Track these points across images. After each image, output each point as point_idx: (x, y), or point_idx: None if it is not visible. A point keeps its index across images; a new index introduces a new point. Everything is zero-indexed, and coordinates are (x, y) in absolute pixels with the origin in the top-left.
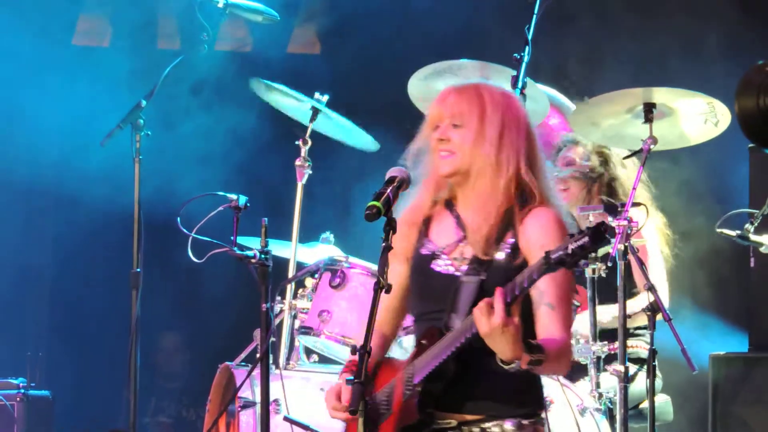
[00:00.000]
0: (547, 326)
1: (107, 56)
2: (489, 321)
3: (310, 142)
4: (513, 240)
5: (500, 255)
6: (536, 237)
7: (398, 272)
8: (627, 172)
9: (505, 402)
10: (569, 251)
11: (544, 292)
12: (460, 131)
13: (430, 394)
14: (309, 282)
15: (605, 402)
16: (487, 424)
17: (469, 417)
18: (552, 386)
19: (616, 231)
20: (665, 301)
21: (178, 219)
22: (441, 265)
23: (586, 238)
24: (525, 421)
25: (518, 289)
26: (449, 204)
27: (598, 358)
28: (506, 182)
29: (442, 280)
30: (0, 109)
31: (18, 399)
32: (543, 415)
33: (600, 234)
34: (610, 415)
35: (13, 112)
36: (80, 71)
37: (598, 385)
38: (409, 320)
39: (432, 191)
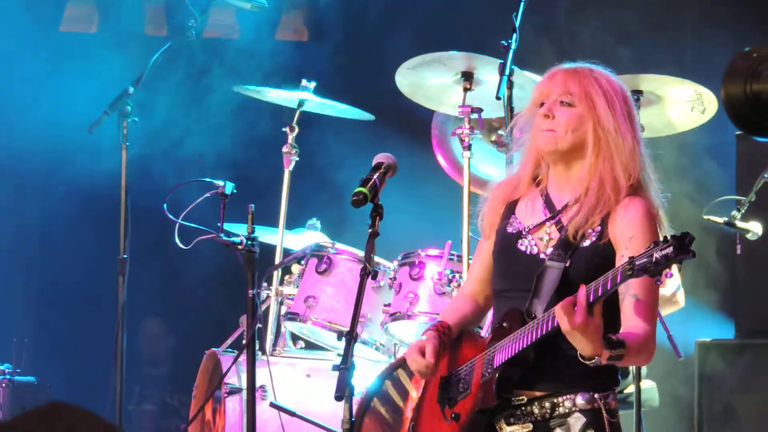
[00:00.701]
0: (630, 318)
1: (95, 42)
2: (570, 320)
3: (297, 129)
4: (600, 228)
5: (586, 242)
6: (625, 228)
7: (485, 245)
8: None
9: (576, 378)
10: (653, 260)
11: (629, 284)
12: (566, 110)
13: (508, 379)
14: (295, 268)
15: None
16: (558, 399)
17: (539, 393)
18: None
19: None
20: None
21: (165, 205)
22: (526, 245)
23: (671, 249)
24: (597, 395)
25: (601, 290)
26: (539, 183)
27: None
28: (605, 168)
29: (525, 260)
30: None
31: (3, 385)
32: (617, 390)
33: (684, 245)
34: None
35: (0, 99)
36: (67, 57)
37: None
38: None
39: (530, 168)
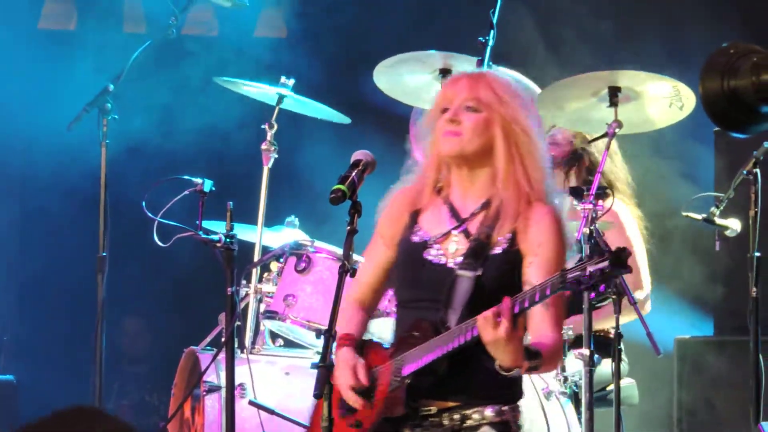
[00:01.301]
0: (539, 325)
1: (73, 40)
2: (495, 332)
3: (276, 126)
4: (510, 235)
5: (497, 250)
6: (534, 235)
7: (382, 253)
8: (609, 163)
9: (486, 389)
10: (587, 273)
11: None
12: (472, 115)
13: (417, 388)
14: (274, 266)
15: (570, 386)
16: (468, 411)
17: (449, 404)
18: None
19: (581, 214)
20: (647, 282)
21: (143, 203)
22: (433, 255)
23: (606, 263)
24: (505, 407)
25: (528, 302)
26: (440, 191)
27: (564, 341)
28: (510, 174)
29: (432, 270)
30: None
31: None
32: (521, 401)
33: (621, 260)
34: (575, 399)
35: None
36: (46, 55)
37: (563, 369)
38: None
39: (433, 175)
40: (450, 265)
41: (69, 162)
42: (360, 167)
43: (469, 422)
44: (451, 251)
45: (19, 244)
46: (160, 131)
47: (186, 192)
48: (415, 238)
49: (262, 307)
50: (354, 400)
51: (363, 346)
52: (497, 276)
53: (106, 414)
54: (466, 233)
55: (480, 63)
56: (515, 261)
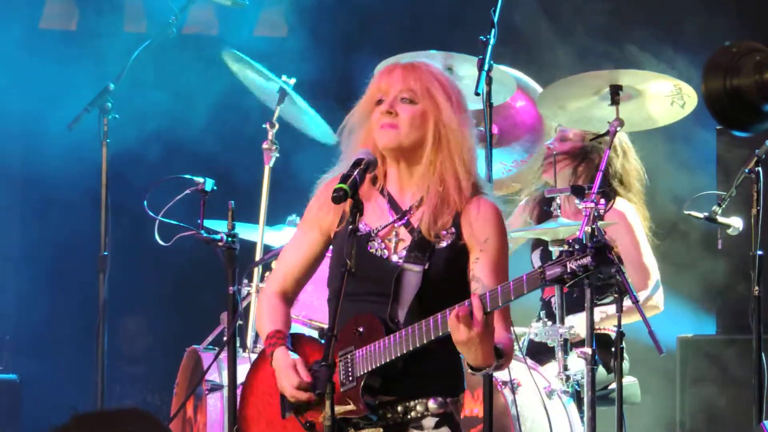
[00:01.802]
0: (496, 324)
1: (74, 39)
2: (468, 331)
3: (277, 126)
4: (455, 229)
5: (443, 243)
6: (479, 230)
7: (312, 240)
8: (622, 159)
9: (429, 382)
10: (568, 270)
11: (487, 286)
12: (408, 107)
13: (371, 387)
14: (276, 265)
15: (572, 384)
16: (410, 403)
17: (390, 397)
18: (519, 369)
19: (584, 213)
20: (655, 280)
21: (145, 202)
22: (374, 248)
23: (588, 258)
24: (448, 399)
25: (502, 300)
26: (375, 182)
27: (565, 340)
28: (447, 166)
29: (376, 263)
30: None
31: None
32: (461, 395)
33: (605, 255)
34: (577, 398)
35: None
36: (47, 54)
37: (565, 368)
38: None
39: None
40: (394, 259)
41: (70, 161)
42: (362, 166)
43: (411, 414)
44: (393, 244)
45: (21, 243)
46: (161, 131)
47: (187, 191)
48: (362, 231)
49: None
50: (304, 398)
51: (294, 341)
52: (444, 270)
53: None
54: (409, 227)
55: (481, 62)
56: (461, 255)
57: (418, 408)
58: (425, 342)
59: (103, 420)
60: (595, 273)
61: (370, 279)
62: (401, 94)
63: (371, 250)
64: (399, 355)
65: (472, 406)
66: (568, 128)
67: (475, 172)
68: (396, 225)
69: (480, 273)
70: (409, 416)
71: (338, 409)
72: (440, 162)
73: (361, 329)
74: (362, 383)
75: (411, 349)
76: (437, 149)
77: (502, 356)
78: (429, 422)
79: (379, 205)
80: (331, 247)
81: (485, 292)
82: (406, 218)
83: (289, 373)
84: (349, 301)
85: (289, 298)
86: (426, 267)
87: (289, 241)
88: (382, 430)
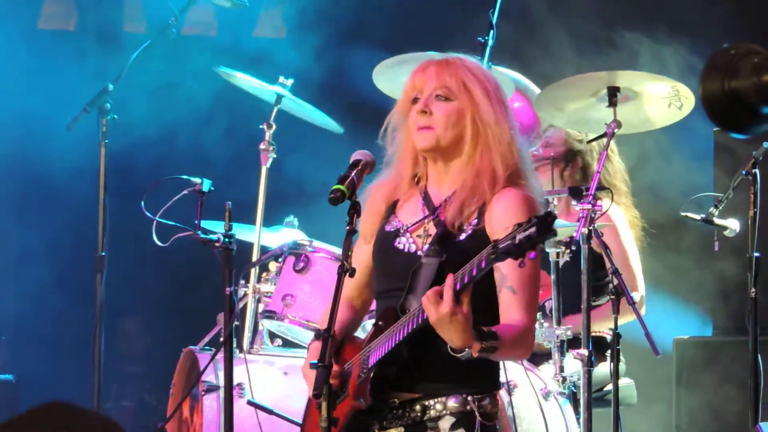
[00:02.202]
0: (508, 311)
1: (73, 40)
2: (437, 309)
3: (274, 126)
4: (477, 220)
5: (463, 235)
6: (500, 219)
7: (365, 250)
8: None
9: (450, 380)
10: (516, 241)
11: (506, 275)
12: (443, 104)
13: (384, 378)
14: (273, 266)
15: (569, 386)
16: (429, 401)
17: (410, 396)
18: (516, 370)
19: (580, 215)
20: (641, 283)
21: (142, 203)
22: (403, 243)
23: (533, 228)
24: (470, 397)
25: (467, 277)
26: (419, 182)
27: (562, 341)
28: (486, 161)
29: (402, 259)
30: None
31: None
32: (496, 393)
33: (547, 224)
34: (573, 399)
35: None
36: (46, 55)
37: (561, 369)
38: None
39: (410, 167)
40: (419, 253)
41: (68, 161)
42: (359, 167)
43: (430, 413)
44: (422, 240)
45: (20, 244)
46: (160, 131)
47: (185, 192)
48: (389, 227)
49: (261, 307)
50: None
51: (343, 341)
52: (462, 262)
53: (83, 409)
54: (437, 221)
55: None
56: (482, 246)
57: (437, 407)
58: (414, 328)
59: (22, 423)
60: (538, 241)
61: (396, 275)
62: (436, 92)
63: (398, 246)
64: (396, 343)
65: None
66: (551, 132)
67: (513, 162)
68: (426, 221)
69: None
70: (427, 415)
71: (352, 404)
72: (479, 157)
73: (380, 323)
74: (371, 374)
75: (404, 336)
76: (475, 145)
77: (489, 338)
78: (445, 423)
79: (416, 203)
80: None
81: (458, 272)
82: (436, 214)
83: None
84: (380, 298)
85: (353, 303)
86: (443, 259)
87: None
88: (403, 429)
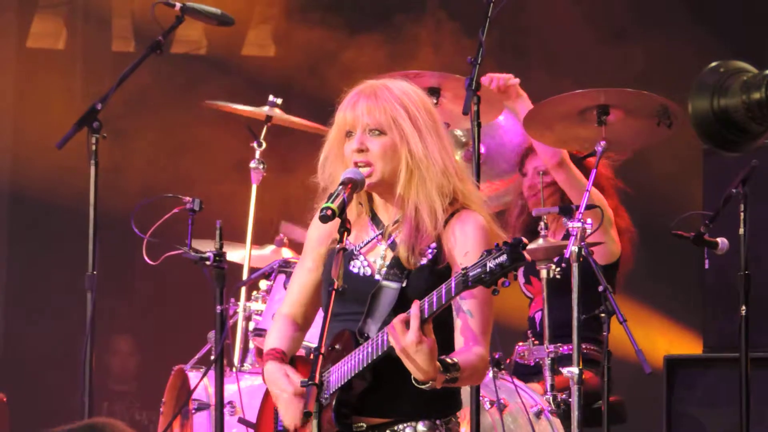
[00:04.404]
0: (465, 335)
1: (62, 58)
2: (403, 338)
3: (264, 144)
4: (435, 244)
5: (423, 260)
6: (460, 243)
7: (310, 265)
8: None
9: (418, 404)
10: (487, 269)
11: (463, 299)
12: (377, 140)
13: (346, 404)
14: (263, 284)
15: (560, 404)
16: (398, 426)
17: (379, 420)
18: (506, 388)
19: (570, 233)
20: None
21: (132, 221)
22: (358, 266)
23: (504, 256)
24: (438, 421)
25: (436, 305)
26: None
27: (552, 360)
28: (421, 197)
29: (359, 282)
30: None
31: None
32: (459, 415)
33: (518, 252)
34: (564, 417)
35: None
36: (35, 73)
37: (552, 387)
38: None
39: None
40: (376, 276)
41: (58, 180)
42: (350, 186)
43: None
44: (377, 263)
45: (7, 262)
46: (149, 149)
47: (175, 210)
48: (344, 252)
49: (251, 325)
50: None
51: (292, 361)
52: (423, 288)
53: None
54: (391, 244)
55: (469, 82)
56: (442, 272)
57: (407, 431)
58: (379, 355)
59: None
60: (511, 269)
61: (352, 298)
62: (368, 127)
63: (354, 270)
64: (362, 368)
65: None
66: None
67: (454, 188)
68: (380, 244)
69: None
70: None
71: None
72: (414, 192)
73: (337, 346)
74: (334, 400)
75: (370, 362)
76: (409, 181)
77: (452, 370)
78: None
79: (363, 225)
80: None
81: (424, 299)
82: (391, 237)
83: (281, 380)
84: (336, 321)
85: (297, 321)
86: (404, 284)
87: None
88: None
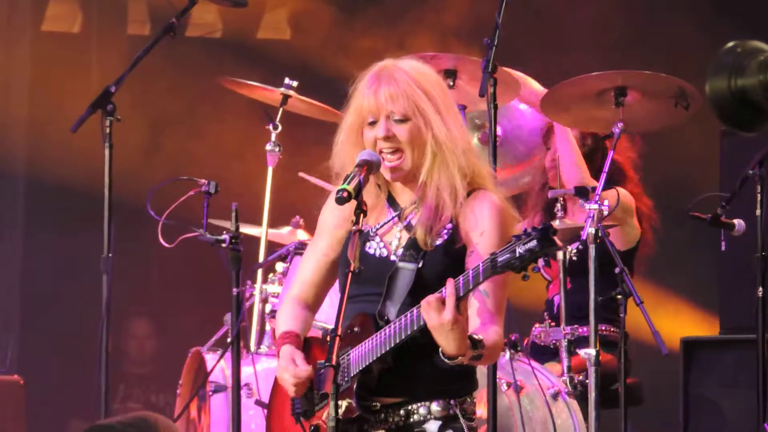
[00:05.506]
0: (481, 315)
1: (77, 42)
2: (439, 316)
3: (280, 127)
4: (451, 225)
5: (438, 241)
6: (476, 223)
7: (326, 248)
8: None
9: (431, 384)
10: (517, 255)
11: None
12: (404, 126)
13: (366, 386)
14: (279, 266)
15: (577, 386)
16: (412, 406)
17: (393, 400)
18: (522, 370)
19: (588, 214)
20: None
21: (148, 204)
22: (374, 248)
23: (534, 242)
24: (452, 401)
25: (462, 290)
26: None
27: (569, 341)
28: (444, 179)
29: (375, 264)
30: None
31: None
32: (475, 395)
33: (548, 237)
34: (581, 399)
35: None
36: (50, 57)
37: (569, 369)
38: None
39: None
40: (392, 258)
41: (73, 163)
42: (366, 168)
43: (414, 417)
44: (393, 244)
45: (23, 245)
46: (165, 131)
47: (191, 192)
48: (361, 234)
49: (268, 308)
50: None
51: (307, 343)
52: (440, 268)
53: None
54: (407, 225)
55: (485, 64)
56: (457, 252)
57: (421, 411)
58: (408, 335)
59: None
60: (540, 255)
61: (369, 279)
62: (393, 115)
63: (369, 251)
64: (385, 351)
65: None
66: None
67: (472, 168)
68: (396, 226)
69: (471, 266)
70: (411, 419)
71: (332, 410)
72: (437, 175)
73: (356, 329)
74: (356, 383)
75: (396, 343)
76: (432, 164)
77: (478, 346)
78: (432, 426)
79: (380, 205)
80: None
81: (459, 277)
82: (407, 219)
83: (288, 366)
84: (352, 302)
85: (308, 303)
86: (420, 265)
87: (307, 247)
88: None
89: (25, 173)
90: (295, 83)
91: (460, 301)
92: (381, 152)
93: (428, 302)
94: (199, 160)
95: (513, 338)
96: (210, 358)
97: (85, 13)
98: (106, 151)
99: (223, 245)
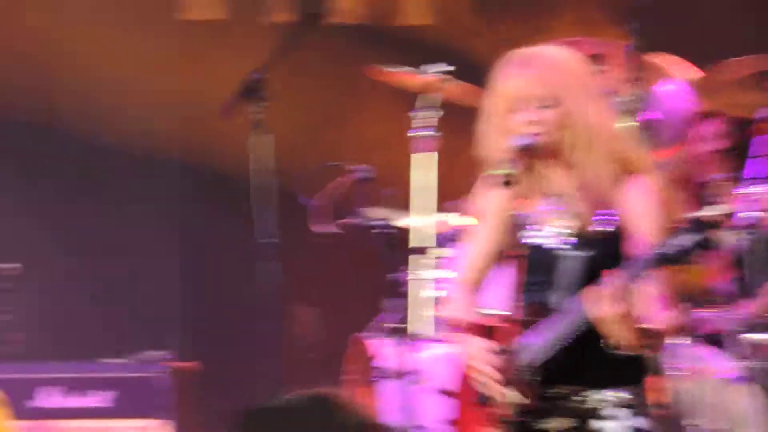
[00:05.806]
0: (649, 302)
1: (222, 29)
2: (605, 310)
3: (442, 112)
4: (611, 211)
5: (600, 227)
6: (638, 208)
7: (485, 235)
8: None
9: (605, 371)
10: (685, 248)
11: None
12: (550, 111)
13: (542, 374)
14: (435, 252)
15: (754, 370)
16: (589, 393)
17: (568, 388)
18: (697, 355)
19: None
20: None
21: (300, 191)
22: (538, 235)
23: (698, 235)
24: (626, 388)
25: (629, 278)
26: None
27: (745, 326)
28: (602, 152)
29: (541, 252)
30: (115, 83)
31: (164, 371)
32: (657, 380)
33: (715, 228)
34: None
35: (128, 86)
36: (195, 45)
37: (746, 354)
38: None
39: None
40: (558, 245)
41: (225, 150)
42: (522, 154)
43: (589, 404)
44: (557, 231)
45: (182, 231)
46: (317, 118)
47: (343, 179)
48: (520, 220)
49: (427, 293)
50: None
51: (490, 332)
52: (608, 255)
53: (347, 402)
54: (570, 212)
55: (629, 49)
56: (620, 239)
57: (596, 398)
58: (579, 325)
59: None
60: (704, 248)
61: (536, 268)
62: (538, 100)
63: (534, 239)
64: (559, 340)
65: None
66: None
67: (625, 153)
68: (556, 213)
69: (634, 253)
70: (586, 407)
71: (513, 397)
72: (588, 161)
73: (530, 317)
74: (531, 371)
75: (567, 333)
76: (581, 149)
77: (649, 336)
78: (608, 413)
79: (536, 191)
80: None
81: (623, 268)
82: (565, 204)
83: (483, 355)
84: (520, 291)
85: (476, 289)
86: (589, 253)
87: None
88: (572, 420)
89: (179, 161)
90: (441, 68)
91: (625, 293)
92: (530, 137)
93: (593, 295)
94: (346, 146)
95: (685, 323)
96: (372, 344)
97: (228, 1)
98: (256, 137)
99: (380, 231)
